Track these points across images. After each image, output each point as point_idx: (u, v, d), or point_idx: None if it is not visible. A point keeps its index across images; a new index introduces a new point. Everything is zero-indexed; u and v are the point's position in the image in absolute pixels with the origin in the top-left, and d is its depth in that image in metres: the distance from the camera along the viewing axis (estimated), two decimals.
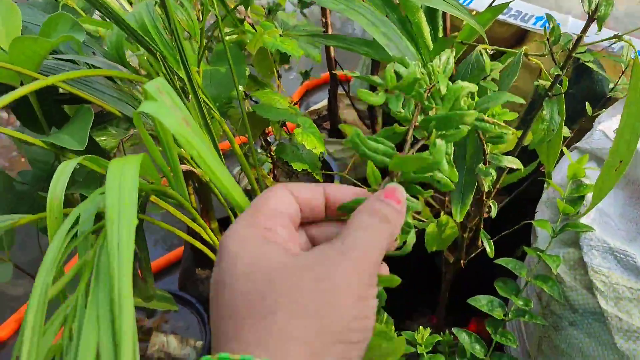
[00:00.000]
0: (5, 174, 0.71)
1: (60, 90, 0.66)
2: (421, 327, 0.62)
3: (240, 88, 0.88)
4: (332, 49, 1.07)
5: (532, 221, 0.65)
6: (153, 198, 0.62)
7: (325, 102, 1.35)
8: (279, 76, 0.97)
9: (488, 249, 0.63)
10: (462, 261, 0.68)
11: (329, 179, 0.97)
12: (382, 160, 0.42)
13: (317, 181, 0.98)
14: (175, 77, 0.61)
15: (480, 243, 0.67)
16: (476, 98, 0.44)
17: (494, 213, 0.58)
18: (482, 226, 0.63)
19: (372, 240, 0.31)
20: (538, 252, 0.62)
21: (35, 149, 0.73)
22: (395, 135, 0.45)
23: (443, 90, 0.44)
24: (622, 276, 0.57)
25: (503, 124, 0.42)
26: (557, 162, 0.67)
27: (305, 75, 1.59)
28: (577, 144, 0.73)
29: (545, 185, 0.71)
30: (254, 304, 0.29)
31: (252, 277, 0.30)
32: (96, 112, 0.61)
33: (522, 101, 0.46)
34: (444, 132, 0.42)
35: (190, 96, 0.62)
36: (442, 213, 0.75)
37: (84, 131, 0.52)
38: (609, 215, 0.64)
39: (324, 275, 0.29)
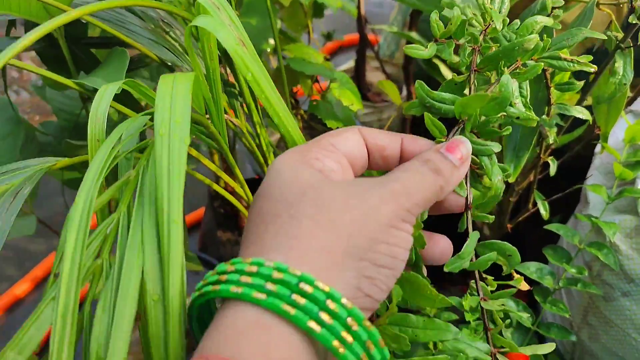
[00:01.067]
0: (29, 124, 0.68)
1: (90, 33, 0.62)
2: (467, 294, 0.59)
3: (272, 41, 0.84)
4: (362, 4, 1.02)
5: (585, 185, 0.61)
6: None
7: (351, 64, 1.30)
8: (311, 31, 0.92)
9: (543, 211, 0.59)
10: (508, 225, 0.65)
11: None
12: (448, 110, 0.39)
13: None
14: None
15: (531, 205, 0.64)
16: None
17: (553, 170, 0.54)
18: (535, 187, 0.59)
19: (416, 182, 0.31)
20: (593, 219, 0.58)
21: (60, 99, 0.70)
22: (458, 87, 0.41)
23: (499, 26, 0.41)
24: None
25: (583, 60, 0.38)
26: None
27: (328, 36, 1.54)
28: (632, 107, 0.69)
29: (598, 149, 0.67)
30: (281, 212, 0.29)
31: (287, 189, 0.30)
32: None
33: (603, 36, 0.42)
34: (509, 66, 0.38)
35: None
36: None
37: (119, 73, 0.49)
38: None
39: (357, 194, 0.29)
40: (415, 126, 1.10)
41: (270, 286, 0.26)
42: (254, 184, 0.36)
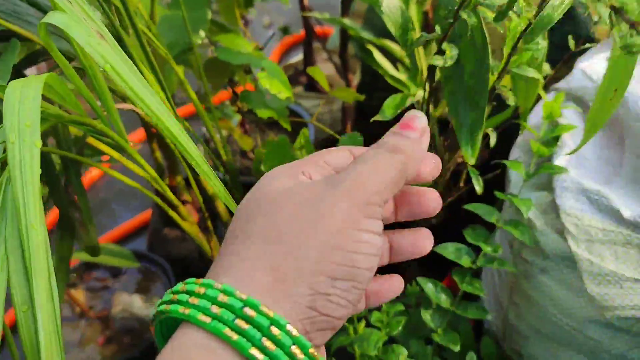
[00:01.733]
0: None
1: None
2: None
3: (202, 33, 0.84)
4: None
5: (504, 161, 0.61)
6: (106, 148, 0.58)
7: (301, 57, 1.29)
8: (246, 22, 0.92)
9: (477, 187, 0.58)
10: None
11: (298, 128, 0.92)
12: None
13: (285, 131, 0.94)
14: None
15: (462, 183, 0.63)
16: None
17: (493, 141, 0.54)
18: (464, 162, 0.57)
19: (371, 170, 0.28)
20: (509, 196, 0.58)
21: None
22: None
23: None
24: (594, 218, 0.53)
25: None
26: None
27: (285, 31, 1.53)
28: (556, 85, 0.69)
29: (520, 128, 0.67)
30: (240, 228, 0.28)
31: (258, 201, 0.28)
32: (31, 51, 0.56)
33: None
34: None
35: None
36: None
37: (7, 65, 0.48)
38: (585, 157, 0.60)
39: (308, 200, 0.27)
40: (361, 115, 1.10)
41: (215, 309, 0.25)
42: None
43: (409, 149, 0.30)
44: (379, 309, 0.58)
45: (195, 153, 0.36)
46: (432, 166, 0.32)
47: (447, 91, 0.54)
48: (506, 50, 0.53)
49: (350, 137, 0.67)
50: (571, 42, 0.58)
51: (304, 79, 1.25)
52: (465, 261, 0.57)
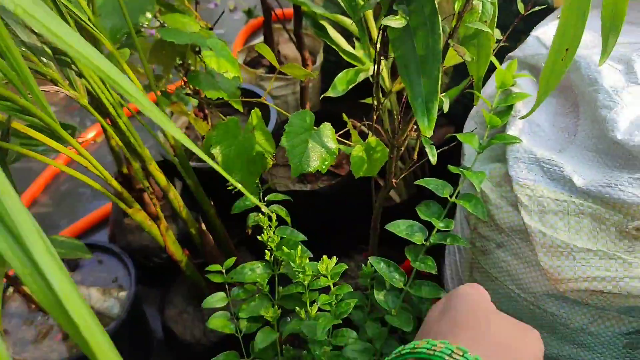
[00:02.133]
0: None
1: None
2: (325, 257, 0.56)
3: (149, 15, 0.80)
4: None
5: (456, 134, 0.58)
6: (44, 138, 0.54)
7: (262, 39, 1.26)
8: (197, 2, 0.88)
9: (431, 157, 0.56)
10: (393, 181, 0.61)
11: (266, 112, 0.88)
12: None
13: (237, 112, 0.91)
14: None
15: (415, 155, 0.60)
16: None
17: (446, 107, 0.51)
18: (418, 135, 0.55)
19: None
20: (461, 169, 0.56)
21: None
22: None
23: None
24: (547, 188, 0.51)
25: None
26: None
27: (249, 13, 1.49)
28: (510, 53, 0.67)
29: (475, 98, 0.64)
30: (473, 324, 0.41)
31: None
32: None
33: None
34: None
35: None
36: (370, 135, 0.68)
37: None
38: (539, 125, 0.58)
39: (518, 331, 0.43)
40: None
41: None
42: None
43: None
44: (327, 291, 0.56)
45: (129, 87, 0.32)
46: None
47: (399, 62, 0.51)
48: (458, 5, 0.50)
49: (300, 115, 0.64)
50: (520, 6, 0.56)
51: (266, 61, 1.21)
52: (418, 238, 0.55)
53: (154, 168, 0.70)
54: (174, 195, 0.74)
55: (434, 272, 0.54)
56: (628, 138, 0.50)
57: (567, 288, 0.47)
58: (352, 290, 0.53)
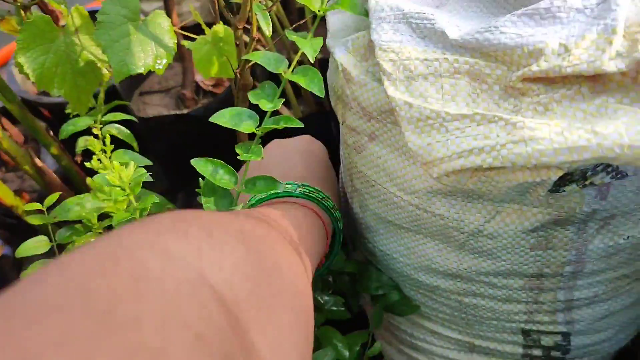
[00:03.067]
0: None
1: None
2: (115, 163, 0.42)
3: None
4: None
5: None
6: None
7: None
8: None
9: (264, 27, 0.42)
10: (238, 72, 0.47)
11: None
12: None
13: None
14: None
15: (255, 32, 0.46)
16: None
17: None
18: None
19: None
20: (294, 36, 0.42)
21: None
22: None
23: None
24: (416, 48, 0.38)
25: None
26: None
27: None
28: None
29: None
30: None
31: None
32: None
33: None
34: None
35: None
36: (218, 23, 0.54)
37: None
38: None
39: None
40: None
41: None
42: None
43: None
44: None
45: None
46: None
47: None
48: None
49: (118, 1, 0.49)
50: None
51: None
52: (246, 126, 0.41)
53: None
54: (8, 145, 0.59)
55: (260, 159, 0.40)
56: None
57: (441, 171, 0.35)
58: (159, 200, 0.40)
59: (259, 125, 0.40)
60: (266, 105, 0.40)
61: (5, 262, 0.87)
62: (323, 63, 0.67)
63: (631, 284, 0.47)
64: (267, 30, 0.41)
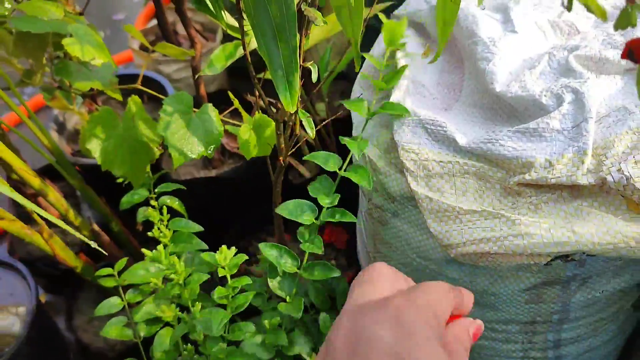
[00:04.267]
0: None
1: None
2: (224, 247, 0.52)
3: (7, 5, 0.72)
4: None
5: (344, 101, 0.55)
6: None
7: None
8: None
9: (308, 130, 0.52)
10: (281, 159, 0.57)
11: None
12: None
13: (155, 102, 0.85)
14: None
15: (298, 130, 0.56)
16: None
17: (315, 76, 0.47)
18: (299, 105, 0.51)
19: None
20: (345, 139, 0.53)
21: None
22: None
23: None
24: (432, 150, 0.49)
25: None
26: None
27: None
28: (395, 12, 0.63)
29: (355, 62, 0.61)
30: None
31: None
32: None
33: None
34: None
35: None
36: (257, 112, 0.64)
37: None
38: (423, 85, 0.55)
39: None
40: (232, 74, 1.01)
41: None
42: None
43: None
44: (223, 283, 0.53)
45: None
46: None
47: (256, 31, 0.47)
48: None
49: (174, 99, 0.59)
50: None
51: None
52: (307, 218, 0.51)
53: (22, 171, 0.64)
54: (55, 198, 0.68)
55: (319, 252, 0.50)
56: (506, 89, 0.47)
57: (457, 253, 0.45)
58: (252, 280, 0.50)
59: (318, 217, 0.50)
60: (324, 201, 0.50)
61: (47, 306, 0.95)
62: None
63: (608, 324, 0.58)
64: (311, 132, 0.51)
